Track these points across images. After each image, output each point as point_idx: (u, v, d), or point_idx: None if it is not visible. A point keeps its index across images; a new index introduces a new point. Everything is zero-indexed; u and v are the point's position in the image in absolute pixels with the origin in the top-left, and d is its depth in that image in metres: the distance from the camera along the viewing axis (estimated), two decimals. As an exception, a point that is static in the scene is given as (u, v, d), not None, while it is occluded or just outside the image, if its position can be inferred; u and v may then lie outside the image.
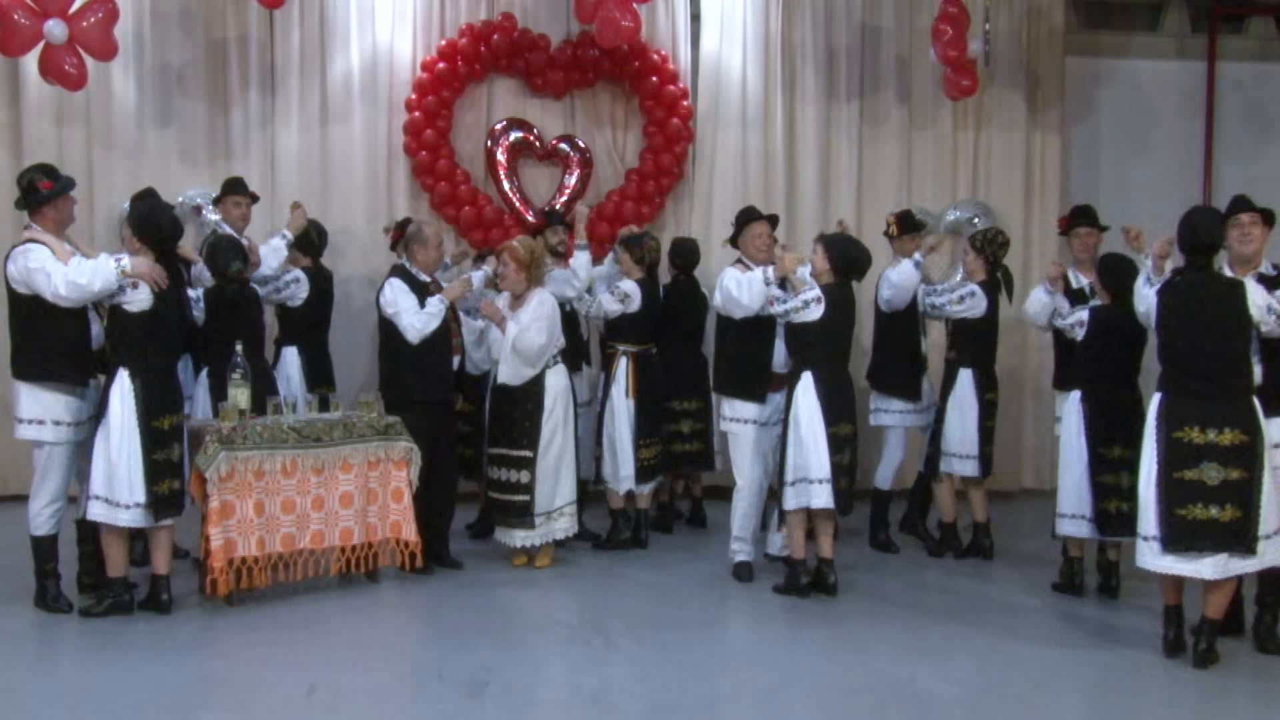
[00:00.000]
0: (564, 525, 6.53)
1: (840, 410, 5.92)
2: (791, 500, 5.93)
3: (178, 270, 5.75)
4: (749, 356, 6.30)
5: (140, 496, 5.42)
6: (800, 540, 6.01)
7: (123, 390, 5.41)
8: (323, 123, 8.37)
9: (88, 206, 7.70)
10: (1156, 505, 4.99)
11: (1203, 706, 4.73)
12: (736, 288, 6.13)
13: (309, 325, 7.07)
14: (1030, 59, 8.97)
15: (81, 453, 5.64)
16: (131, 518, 5.44)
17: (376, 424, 6.12)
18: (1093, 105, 9.39)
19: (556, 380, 6.45)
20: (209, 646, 5.23)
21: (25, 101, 8.03)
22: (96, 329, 5.63)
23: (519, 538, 6.46)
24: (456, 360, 6.57)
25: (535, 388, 6.37)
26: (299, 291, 6.93)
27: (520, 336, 6.26)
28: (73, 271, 5.31)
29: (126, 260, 5.38)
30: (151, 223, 5.63)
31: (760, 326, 6.23)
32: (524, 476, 6.38)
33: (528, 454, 6.37)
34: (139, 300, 5.41)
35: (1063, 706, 4.74)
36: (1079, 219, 6.89)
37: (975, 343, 6.81)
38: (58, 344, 5.49)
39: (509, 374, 6.34)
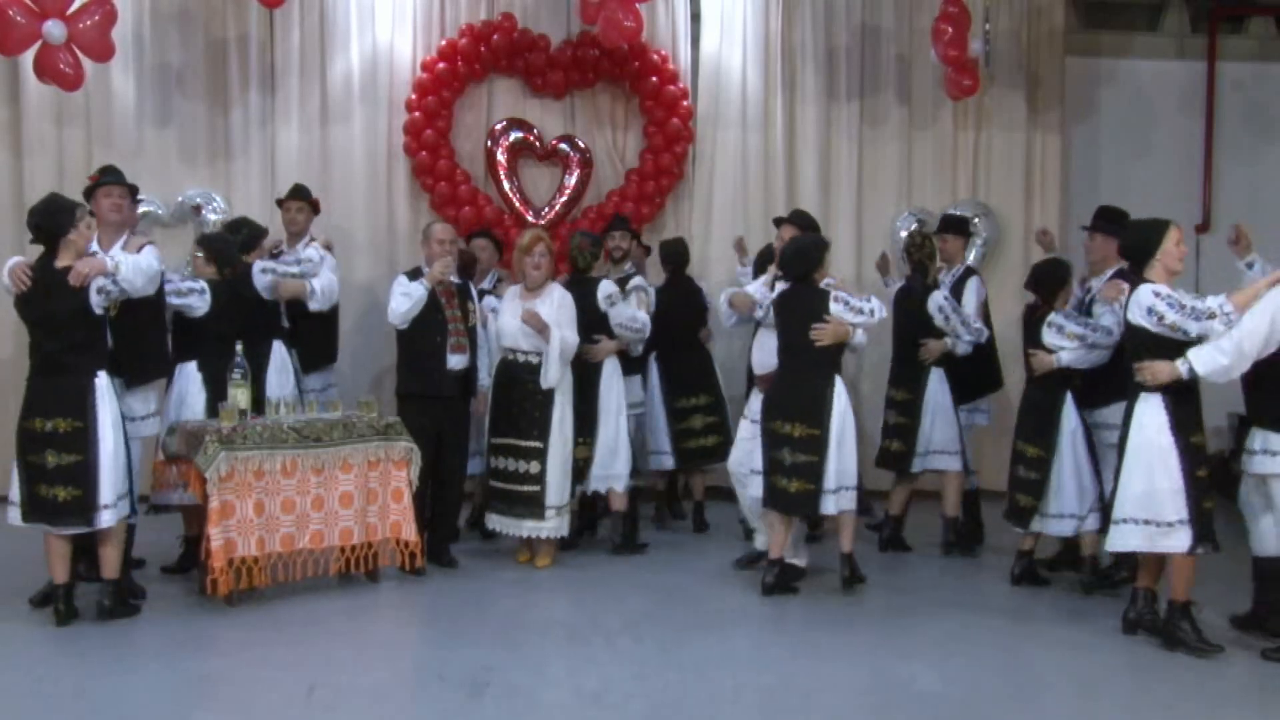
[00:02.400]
0: (565, 522, 6.54)
1: (783, 410, 5.94)
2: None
3: (56, 272, 5.28)
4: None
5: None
6: (776, 538, 6.06)
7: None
8: (323, 123, 8.38)
9: (87, 207, 7.69)
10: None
11: (1203, 706, 4.72)
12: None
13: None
14: (1030, 59, 8.96)
15: None
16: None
17: (376, 424, 6.11)
18: (1093, 105, 9.38)
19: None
20: (209, 646, 5.22)
21: (25, 101, 8.03)
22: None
23: (528, 528, 6.45)
24: (464, 360, 6.53)
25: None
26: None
27: (564, 341, 6.35)
28: None
29: (12, 261, 5.35)
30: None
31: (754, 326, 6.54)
32: (534, 467, 6.39)
33: (537, 444, 6.38)
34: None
35: (1063, 705, 4.73)
36: (1100, 223, 6.52)
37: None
38: None
39: (554, 377, 6.36)
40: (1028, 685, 4.93)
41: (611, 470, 6.84)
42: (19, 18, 7.06)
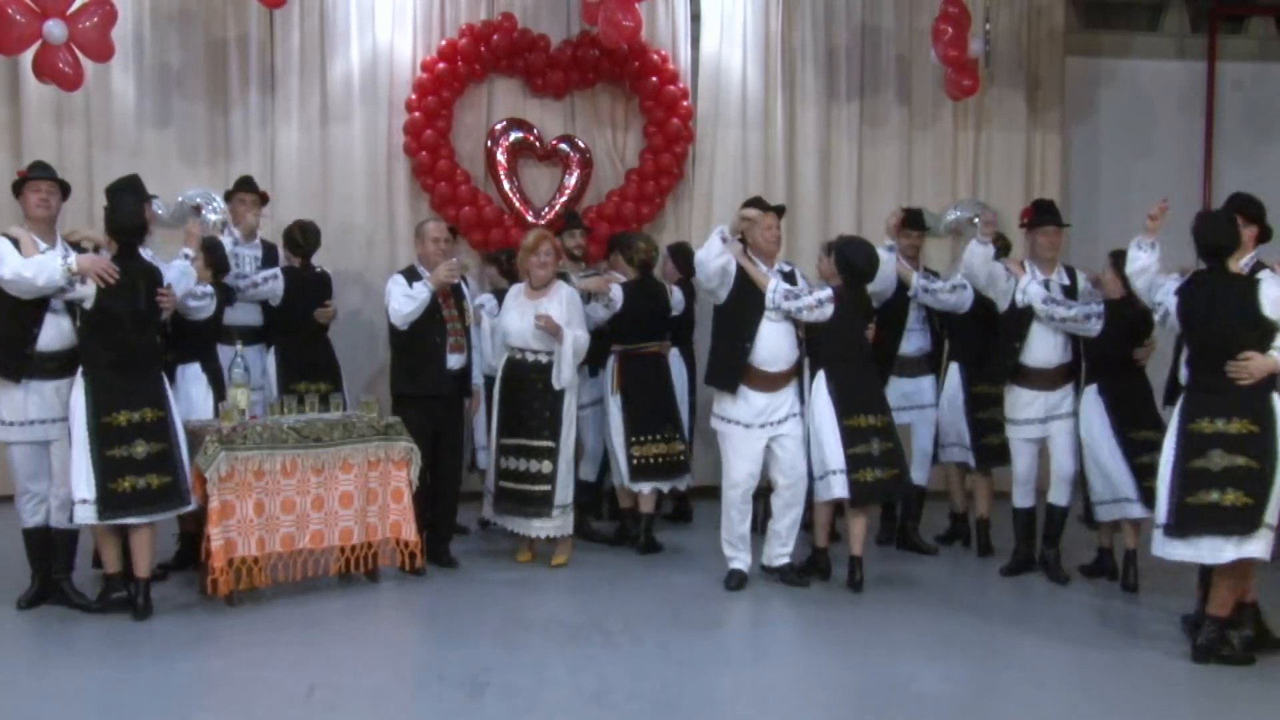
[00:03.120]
0: (570, 520, 6.55)
1: (857, 403, 6.04)
2: (818, 493, 6.14)
3: (143, 266, 5.60)
4: (722, 347, 6.19)
5: (86, 493, 5.31)
6: (858, 532, 6.15)
7: (78, 388, 5.38)
8: (323, 123, 8.36)
9: (87, 206, 7.67)
10: (1169, 495, 5.10)
11: (1202, 706, 4.73)
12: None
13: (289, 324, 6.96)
14: (1030, 59, 8.97)
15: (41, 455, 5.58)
16: (81, 514, 5.34)
17: (376, 424, 6.12)
18: (1093, 105, 9.39)
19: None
20: (209, 646, 5.22)
21: (25, 101, 8.01)
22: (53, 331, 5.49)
23: (537, 528, 6.46)
24: (462, 359, 6.55)
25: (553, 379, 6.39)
26: (278, 288, 6.88)
27: (578, 341, 6.35)
28: (21, 264, 5.29)
29: (73, 257, 5.34)
30: (108, 215, 5.61)
31: (736, 318, 6.09)
32: (545, 467, 6.39)
33: (549, 444, 6.39)
34: (86, 296, 5.35)
35: (1063, 707, 4.73)
36: (1042, 217, 6.57)
37: (962, 336, 7.01)
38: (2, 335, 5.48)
39: (568, 378, 6.36)
40: (1028, 685, 4.93)
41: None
42: (19, 17, 7.06)
